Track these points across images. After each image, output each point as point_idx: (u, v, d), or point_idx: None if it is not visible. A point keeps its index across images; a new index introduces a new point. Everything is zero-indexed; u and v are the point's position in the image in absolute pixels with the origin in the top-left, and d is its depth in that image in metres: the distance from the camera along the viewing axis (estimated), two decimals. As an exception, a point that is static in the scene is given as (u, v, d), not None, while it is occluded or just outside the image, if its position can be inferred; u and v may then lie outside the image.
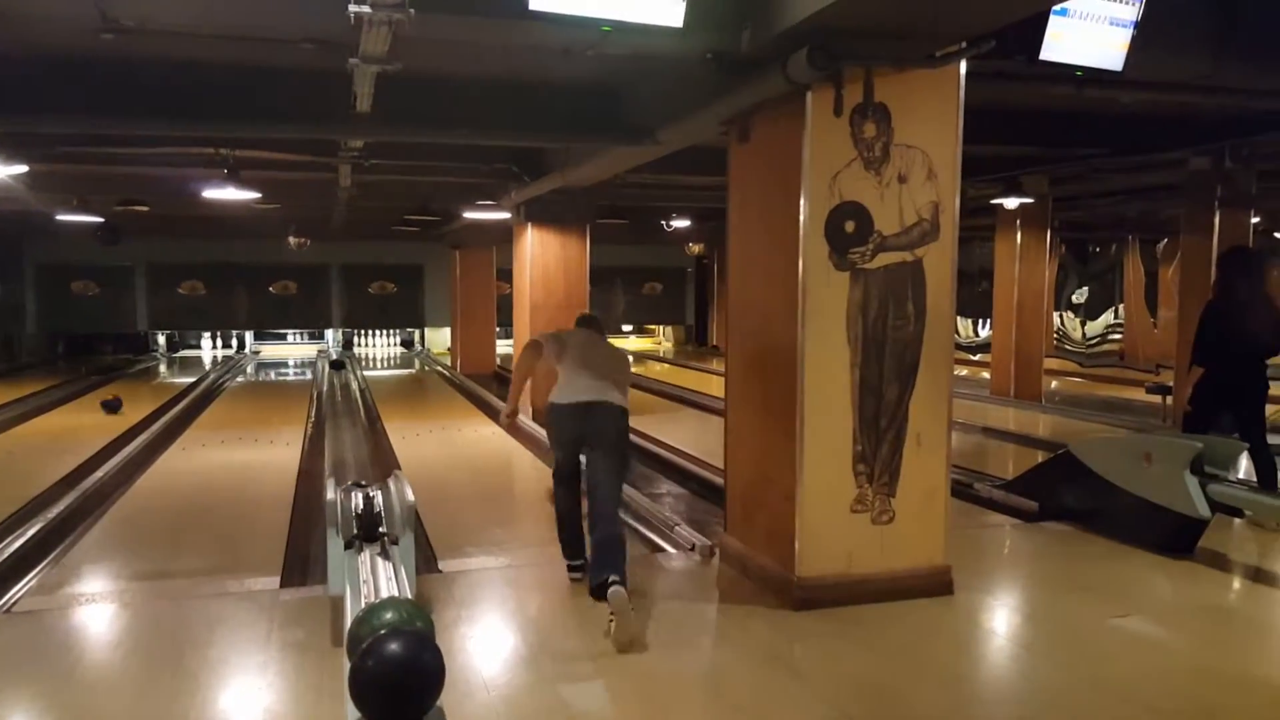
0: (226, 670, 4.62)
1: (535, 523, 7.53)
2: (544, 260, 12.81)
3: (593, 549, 5.48)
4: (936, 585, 5.48)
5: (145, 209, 14.82)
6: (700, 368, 21.62)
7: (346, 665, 2.94)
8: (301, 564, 6.43)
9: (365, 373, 21.24)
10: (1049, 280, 16.39)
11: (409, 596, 3.82)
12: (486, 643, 4.98)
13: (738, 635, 5.10)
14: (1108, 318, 24.81)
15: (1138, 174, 12.92)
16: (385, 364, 25.46)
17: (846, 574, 5.33)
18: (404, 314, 27.06)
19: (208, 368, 23.10)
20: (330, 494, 5.14)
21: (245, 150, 9.83)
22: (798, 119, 5.11)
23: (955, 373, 5.65)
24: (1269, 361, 7.30)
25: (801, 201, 5.13)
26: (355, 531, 4.82)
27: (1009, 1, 4.68)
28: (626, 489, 7.07)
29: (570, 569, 5.84)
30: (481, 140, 9.49)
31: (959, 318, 22.52)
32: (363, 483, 5.51)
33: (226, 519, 7.79)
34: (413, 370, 23.73)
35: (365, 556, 4.49)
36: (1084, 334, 25.20)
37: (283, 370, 23.58)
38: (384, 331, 28.67)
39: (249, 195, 11.50)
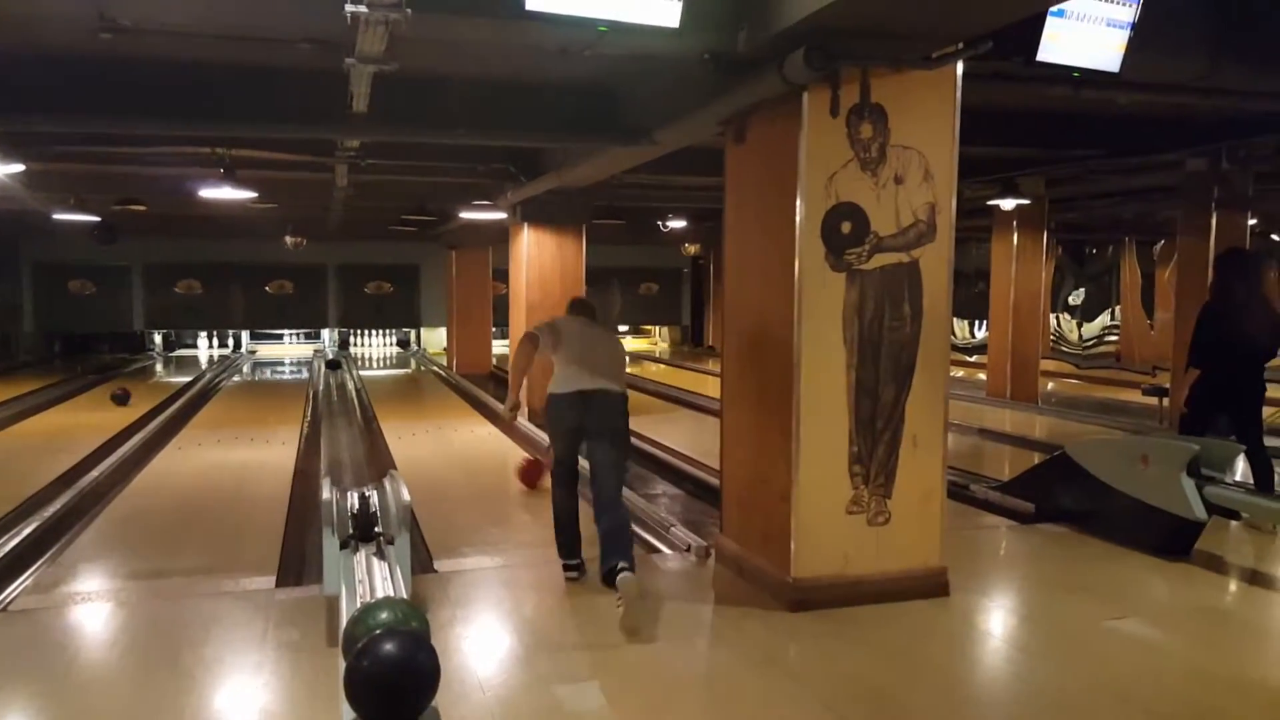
0: (222, 670, 4.61)
1: (531, 523, 7.52)
2: (540, 260, 12.80)
3: (601, 538, 5.54)
4: (932, 587, 5.48)
5: (142, 208, 14.81)
6: (696, 368, 21.62)
7: (342, 665, 2.94)
8: (297, 564, 6.43)
9: (361, 372, 21.24)
10: (1045, 282, 16.40)
11: (404, 596, 3.82)
12: (482, 643, 4.97)
13: (733, 636, 5.10)
14: (1104, 319, 24.87)
15: (1134, 175, 12.92)
16: (381, 364, 25.46)
17: (842, 575, 5.33)
18: (400, 314, 27.07)
19: (204, 367, 23.09)
20: (326, 494, 5.15)
21: (242, 150, 9.83)
22: (794, 119, 5.11)
23: (951, 374, 5.65)
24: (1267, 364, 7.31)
25: (798, 202, 5.12)
26: (351, 531, 4.83)
27: (1006, 3, 4.68)
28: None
29: (566, 568, 5.84)
30: (478, 140, 9.48)
31: (955, 319, 22.56)
32: (360, 484, 5.53)
33: (222, 518, 7.78)
34: (409, 370, 23.73)
35: (361, 556, 4.50)
36: (1080, 335, 25.26)
37: (279, 370, 23.57)
38: (380, 331, 28.67)
39: (246, 195, 11.51)
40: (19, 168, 9.52)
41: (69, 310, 24.18)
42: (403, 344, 28.74)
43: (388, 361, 26.14)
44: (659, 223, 19.86)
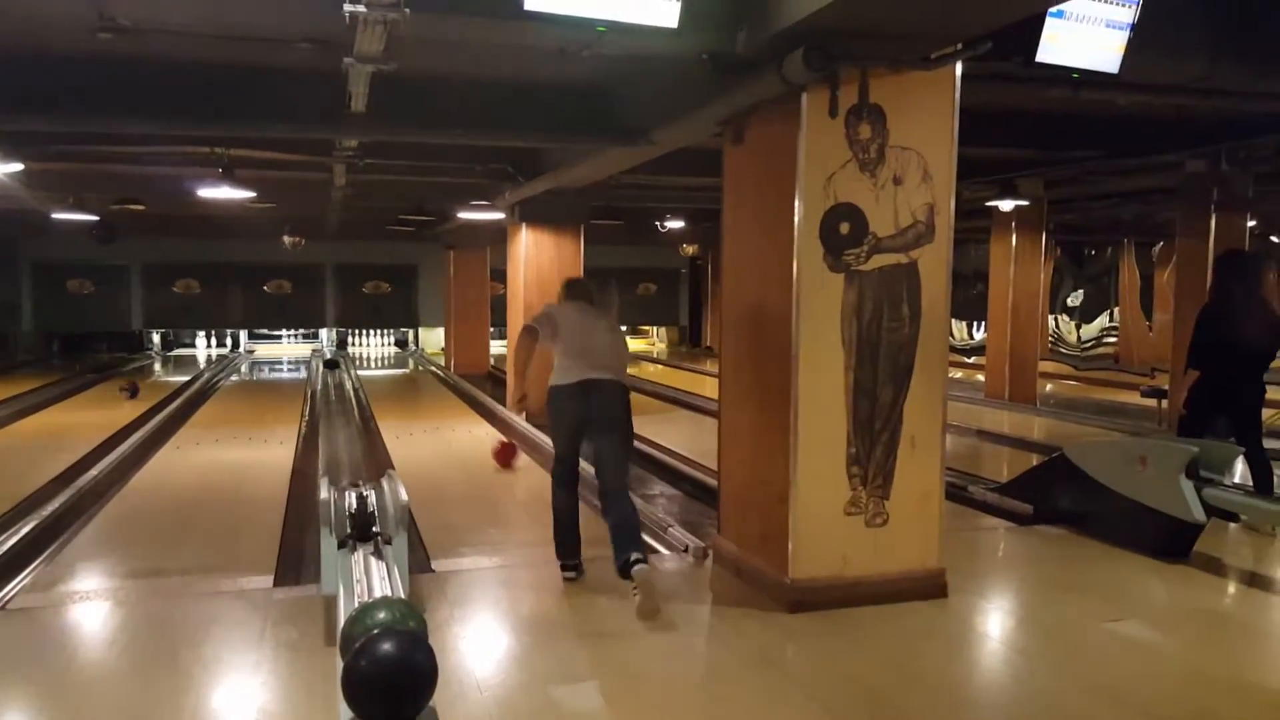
0: (220, 669, 4.61)
1: (529, 523, 7.51)
2: (538, 261, 12.80)
3: (611, 530, 5.55)
4: (930, 588, 5.47)
5: (141, 208, 14.83)
6: (694, 369, 21.62)
7: (339, 665, 2.93)
8: (295, 563, 6.41)
9: (359, 372, 21.24)
10: (1044, 283, 16.42)
11: (402, 596, 3.81)
12: (480, 642, 4.97)
13: (731, 637, 5.10)
14: (1103, 321, 24.89)
15: (1133, 177, 12.92)
16: (379, 364, 25.46)
17: (840, 576, 5.33)
18: (398, 314, 27.09)
19: (202, 366, 23.09)
20: (324, 493, 5.15)
21: (240, 149, 9.83)
22: (793, 120, 5.10)
23: (950, 375, 5.65)
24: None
25: (796, 203, 5.12)
26: (349, 531, 4.83)
27: (1005, 3, 4.68)
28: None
29: (564, 568, 5.84)
30: (476, 140, 9.49)
31: (954, 320, 22.56)
32: (357, 483, 5.53)
33: (221, 518, 7.77)
34: (407, 370, 23.74)
35: (359, 556, 4.49)
36: (1079, 337, 25.27)
37: (277, 369, 23.56)
38: (378, 331, 28.67)
39: (244, 194, 11.52)
40: (18, 167, 9.52)
41: (68, 309, 24.20)
42: (401, 344, 28.75)
43: (386, 361, 26.14)
44: (657, 223, 19.88)
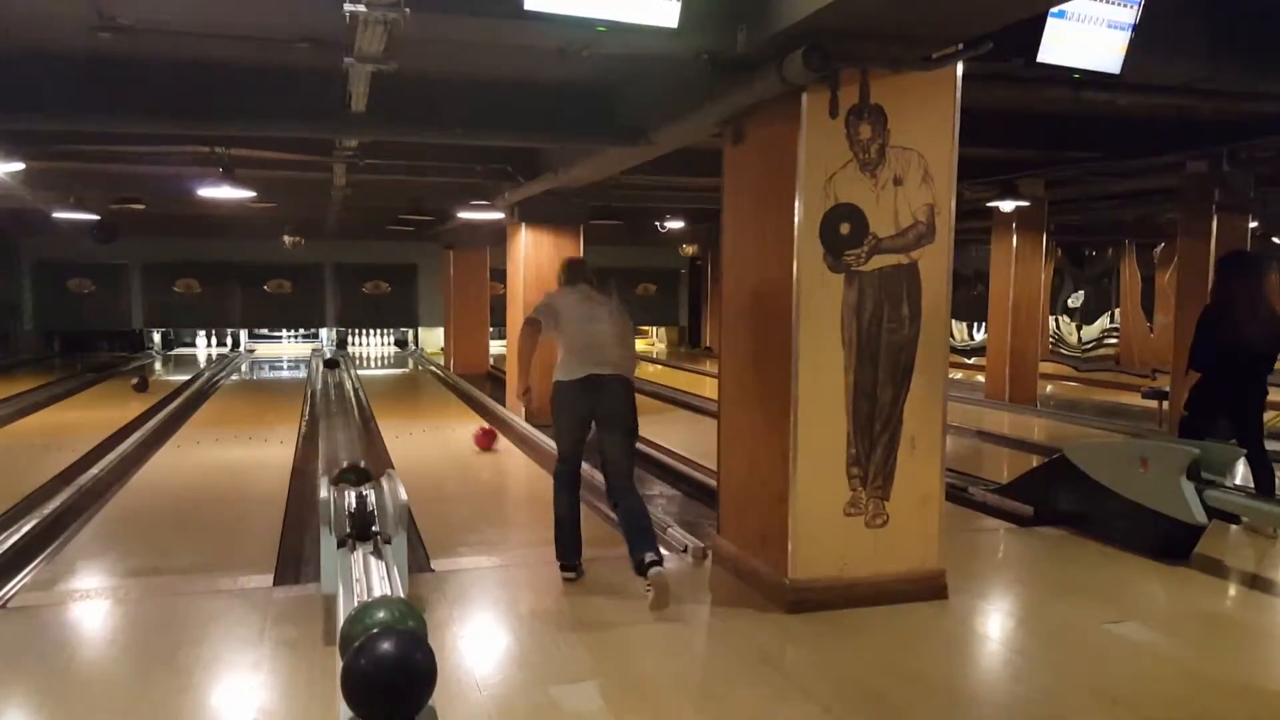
0: (219, 668, 4.61)
1: (528, 522, 7.51)
2: (538, 261, 12.79)
3: (624, 527, 5.59)
4: (930, 589, 5.47)
5: (141, 207, 14.83)
6: (693, 369, 21.62)
7: (339, 664, 2.93)
8: (295, 562, 6.41)
9: (359, 372, 21.23)
10: (1044, 284, 16.40)
11: (401, 595, 3.81)
12: (479, 642, 4.97)
13: (730, 637, 5.09)
14: (1103, 322, 24.88)
15: (1135, 178, 12.92)
16: (379, 363, 25.47)
17: (840, 577, 5.32)
18: (398, 313, 27.08)
19: (202, 365, 23.10)
20: (324, 492, 5.15)
21: (241, 149, 9.83)
22: (793, 120, 5.10)
23: (950, 376, 5.64)
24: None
25: (796, 203, 5.12)
26: (348, 530, 4.83)
27: (1006, 4, 4.67)
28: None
29: (564, 569, 5.83)
30: (475, 140, 9.48)
31: (954, 321, 22.56)
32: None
33: (220, 516, 7.77)
34: (406, 370, 23.74)
35: (358, 555, 4.49)
36: (1079, 338, 25.26)
37: (277, 369, 23.57)
38: (378, 331, 28.68)
39: (244, 194, 11.52)
40: (19, 166, 9.52)
41: (68, 308, 24.21)
42: (400, 344, 28.76)
43: (386, 361, 26.14)
44: (657, 223, 19.88)
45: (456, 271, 20.46)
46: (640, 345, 29.12)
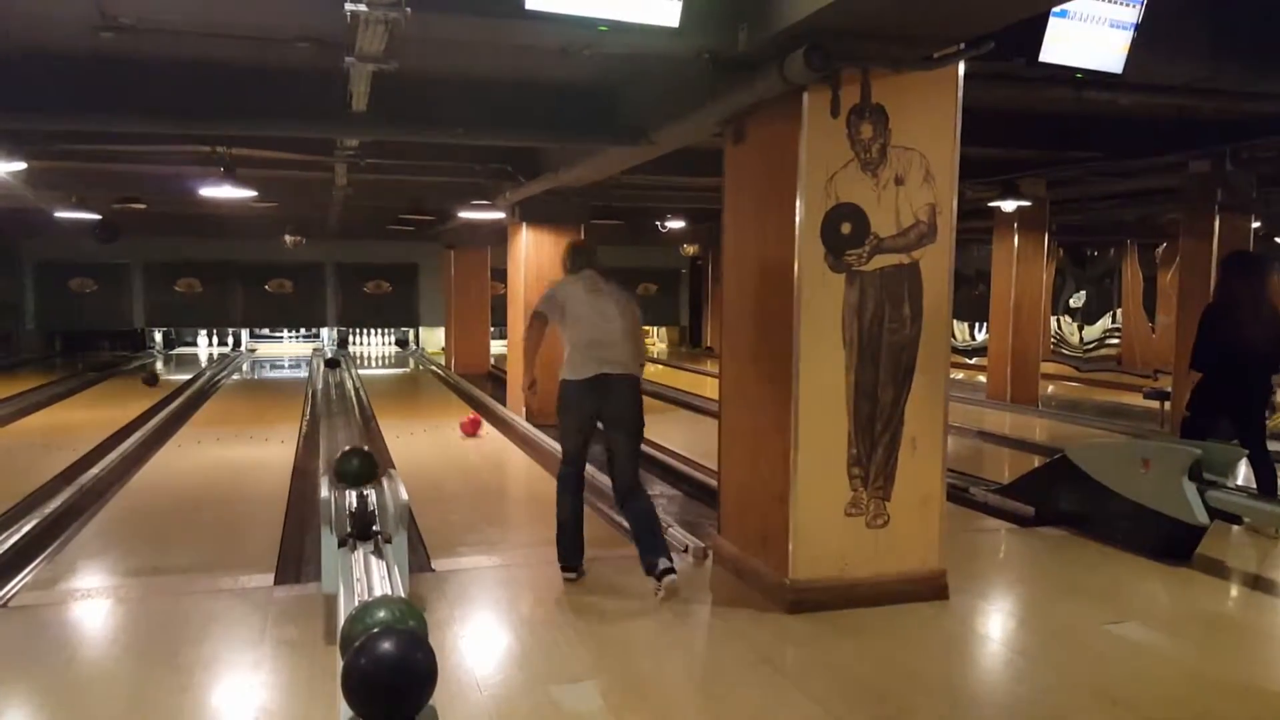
0: (220, 667, 4.61)
1: (529, 522, 7.52)
2: (538, 260, 12.78)
3: (633, 530, 5.62)
4: (931, 589, 5.46)
5: (142, 207, 14.84)
6: (694, 369, 21.60)
7: (339, 663, 2.93)
8: (295, 562, 6.42)
9: (360, 371, 21.24)
10: (1046, 284, 16.39)
11: (402, 595, 3.81)
12: (479, 642, 4.97)
13: (730, 637, 5.09)
14: (1105, 322, 24.86)
15: (1136, 178, 12.90)
16: (380, 363, 25.48)
17: (840, 577, 5.32)
18: (399, 313, 27.07)
19: (203, 365, 23.11)
20: (325, 492, 5.15)
21: (242, 149, 9.83)
22: (794, 120, 5.10)
23: (951, 376, 5.64)
24: None
25: (797, 203, 5.11)
26: (349, 530, 4.83)
27: (1008, 3, 4.67)
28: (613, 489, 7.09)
29: (565, 569, 5.82)
30: (476, 140, 9.48)
31: (955, 321, 22.55)
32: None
33: (221, 516, 7.77)
34: (407, 369, 23.75)
35: (359, 555, 4.50)
36: (1081, 338, 25.25)
37: (278, 368, 23.57)
38: (379, 330, 28.68)
39: (246, 194, 11.51)
40: (20, 166, 9.52)
41: (69, 308, 24.21)
42: (401, 343, 28.77)
43: (386, 361, 26.15)
44: (657, 223, 19.87)
45: (457, 271, 20.46)
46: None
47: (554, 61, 6.38)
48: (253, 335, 27.92)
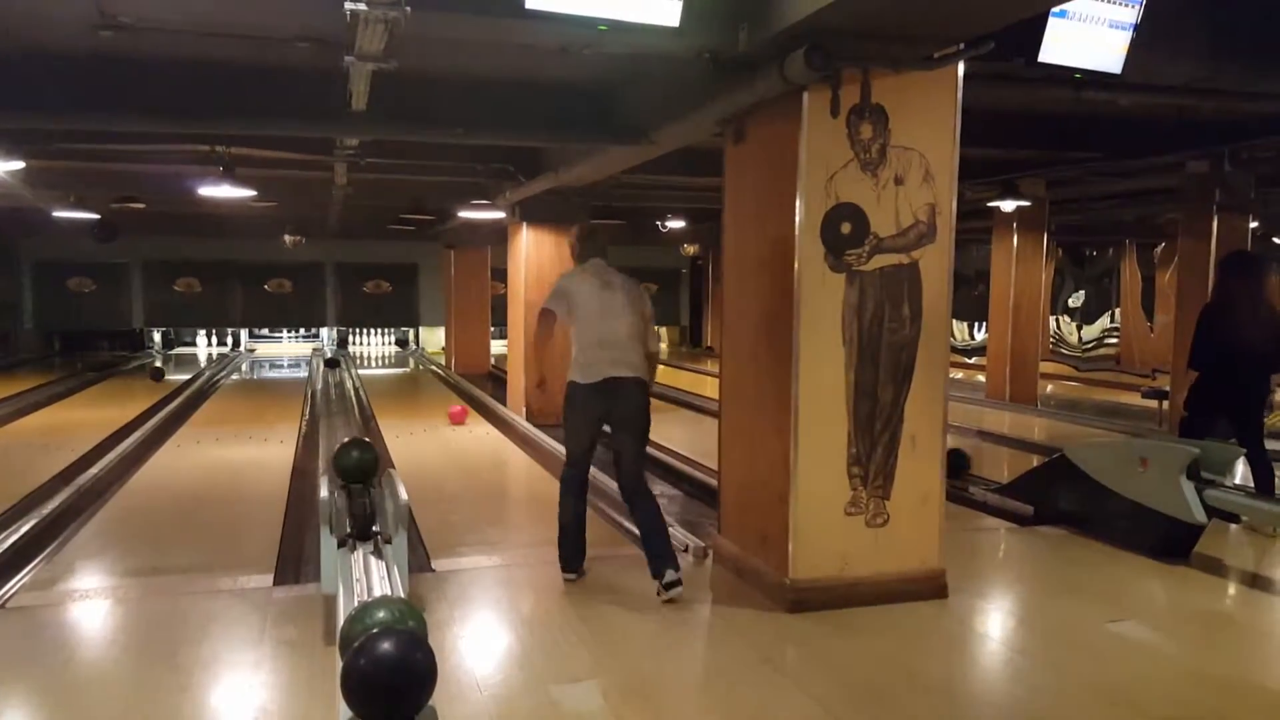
0: (219, 667, 4.60)
1: (529, 523, 7.51)
2: (538, 260, 12.79)
3: (643, 536, 5.58)
4: (931, 588, 5.47)
5: (141, 206, 14.82)
6: (694, 369, 21.61)
7: (339, 664, 2.93)
8: (295, 562, 6.41)
9: (360, 371, 21.23)
10: (1045, 284, 16.40)
11: (402, 595, 3.81)
12: (479, 642, 4.97)
13: (730, 637, 5.09)
14: (1104, 322, 24.86)
15: (1135, 178, 12.91)
16: (380, 363, 25.47)
17: (840, 576, 5.32)
18: (399, 313, 27.07)
19: (203, 365, 23.10)
20: (324, 492, 5.14)
21: (241, 148, 9.83)
22: (794, 120, 5.10)
23: (950, 376, 5.64)
24: None
25: (797, 202, 5.12)
26: (349, 530, 4.83)
27: (1008, 3, 4.67)
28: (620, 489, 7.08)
29: (565, 570, 5.82)
30: (476, 140, 9.47)
31: (955, 320, 22.56)
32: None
33: (220, 516, 7.77)
34: (407, 369, 23.74)
35: (358, 555, 4.49)
36: (1080, 338, 25.25)
37: (278, 368, 23.57)
38: (379, 330, 28.67)
39: (245, 193, 11.51)
40: (19, 165, 9.52)
41: (68, 308, 24.22)
42: (401, 343, 28.76)
43: (386, 361, 26.15)
44: (658, 223, 19.86)
45: (457, 271, 20.44)
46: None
47: (554, 61, 6.38)
48: (252, 335, 27.90)
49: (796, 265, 5.14)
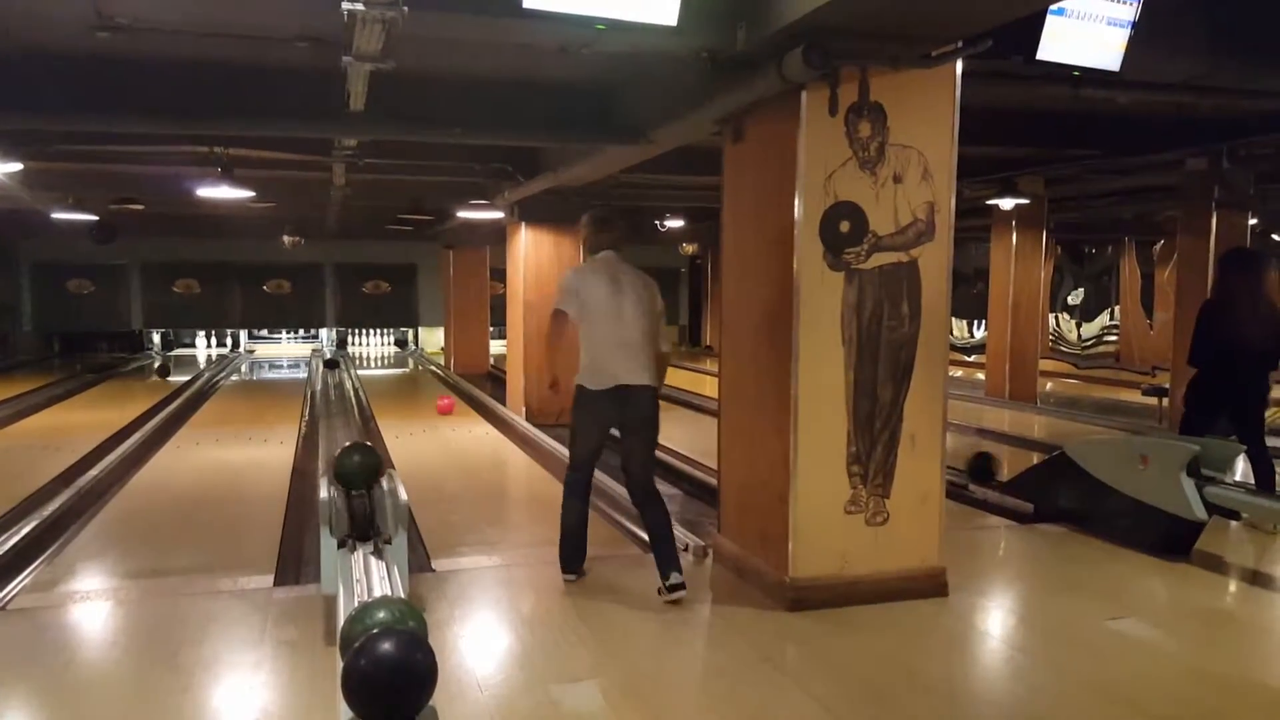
0: (220, 668, 4.60)
1: (529, 522, 7.52)
2: (537, 260, 12.80)
3: (651, 538, 5.57)
4: (931, 587, 5.47)
5: (140, 207, 14.82)
6: (694, 368, 21.56)
7: (339, 664, 2.93)
8: (295, 562, 6.41)
9: (359, 372, 21.22)
10: (1044, 281, 16.40)
11: (402, 596, 3.81)
12: (479, 642, 4.96)
13: (731, 636, 5.09)
14: (1103, 319, 24.86)
15: (1134, 175, 12.92)
16: (379, 363, 25.46)
17: (840, 575, 5.32)
18: (398, 313, 27.09)
19: (202, 366, 23.10)
20: (324, 493, 5.14)
21: (239, 149, 9.83)
22: (792, 118, 5.09)
23: (950, 374, 5.64)
24: None
25: (796, 201, 5.11)
26: (349, 530, 4.82)
27: (1006, 1, 4.67)
28: (620, 490, 7.06)
29: (565, 571, 5.80)
30: (474, 140, 9.48)
31: (954, 319, 22.55)
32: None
33: (220, 517, 7.77)
34: (407, 370, 23.73)
35: (359, 555, 4.49)
36: (1079, 335, 25.25)
37: (277, 369, 23.57)
38: (378, 331, 28.67)
39: (243, 194, 11.51)
40: (17, 166, 9.51)
41: (67, 310, 24.25)
42: (400, 343, 28.75)
43: (386, 361, 26.14)
44: (656, 222, 19.85)
45: (456, 271, 20.44)
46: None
47: (552, 61, 6.37)
48: (251, 336, 27.89)
49: (795, 264, 5.13)
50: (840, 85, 5.02)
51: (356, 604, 3.40)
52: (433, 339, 26.89)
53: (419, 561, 6.16)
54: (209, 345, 27.73)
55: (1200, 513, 6.15)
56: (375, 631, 2.89)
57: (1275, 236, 18.43)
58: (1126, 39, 6.26)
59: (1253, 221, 12.74)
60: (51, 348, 24.90)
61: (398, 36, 5.05)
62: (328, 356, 23.79)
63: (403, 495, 5.04)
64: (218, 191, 11.12)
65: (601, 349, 5.55)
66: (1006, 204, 13.82)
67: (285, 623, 5.09)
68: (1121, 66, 6.35)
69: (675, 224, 19.79)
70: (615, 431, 5.74)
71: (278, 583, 5.90)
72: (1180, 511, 6.19)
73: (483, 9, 4.97)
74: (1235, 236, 11.18)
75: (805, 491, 5.24)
